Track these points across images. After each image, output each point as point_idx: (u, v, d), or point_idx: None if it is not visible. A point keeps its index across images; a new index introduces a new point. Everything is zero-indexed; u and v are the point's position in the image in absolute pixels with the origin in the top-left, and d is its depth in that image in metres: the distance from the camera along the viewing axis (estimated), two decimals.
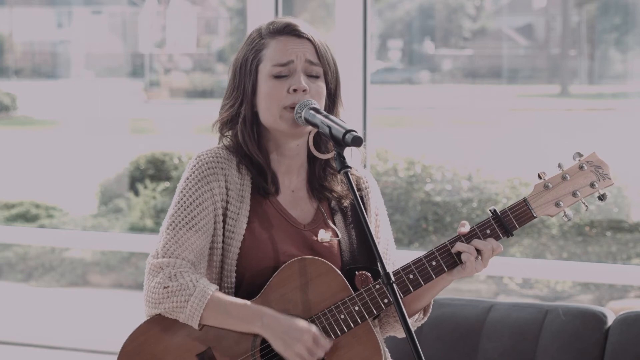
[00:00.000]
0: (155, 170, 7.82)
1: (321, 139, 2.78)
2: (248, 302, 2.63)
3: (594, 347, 3.32)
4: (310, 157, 2.81)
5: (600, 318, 3.35)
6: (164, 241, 2.69)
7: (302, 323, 2.60)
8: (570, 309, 3.40)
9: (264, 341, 2.64)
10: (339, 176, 2.81)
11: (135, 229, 7.72)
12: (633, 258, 6.50)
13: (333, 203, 2.82)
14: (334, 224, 2.80)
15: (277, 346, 2.60)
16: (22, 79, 8.56)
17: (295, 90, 2.71)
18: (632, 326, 3.30)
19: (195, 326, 2.63)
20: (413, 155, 7.02)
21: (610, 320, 3.35)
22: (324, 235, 2.76)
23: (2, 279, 8.05)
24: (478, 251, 2.68)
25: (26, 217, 8.04)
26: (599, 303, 6.52)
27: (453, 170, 6.92)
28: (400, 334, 2.87)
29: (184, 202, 2.71)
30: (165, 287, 2.63)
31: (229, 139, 2.79)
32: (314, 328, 2.61)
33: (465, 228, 2.71)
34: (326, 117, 2.64)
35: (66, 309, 7.80)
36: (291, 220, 2.76)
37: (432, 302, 2.86)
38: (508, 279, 6.76)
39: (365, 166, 2.94)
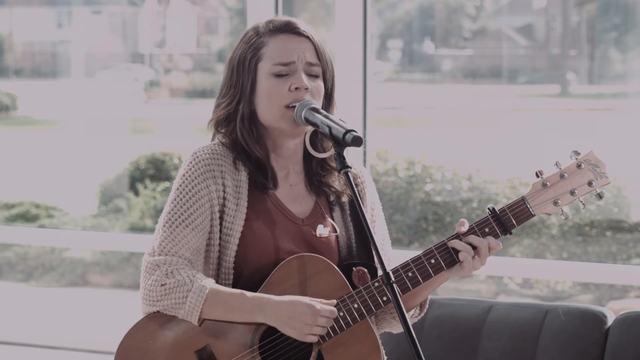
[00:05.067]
0: (155, 170, 7.82)
1: (318, 138, 2.78)
2: (247, 292, 2.63)
3: (594, 347, 3.32)
4: (307, 155, 2.81)
5: (600, 318, 3.35)
6: (161, 239, 2.69)
7: (302, 302, 2.59)
8: (570, 309, 3.40)
9: (262, 338, 2.64)
10: (336, 172, 2.81)
11: (135, 229, 7.72)
12: (633, 258, 6.49)
13: (332, 198, 2.82)
14: (332, 218, 2.79)
15: (287, 332, 2.60)
16: (22, 79, 8.56)
17: (297, 89, 2.71)
18: (632, 326, 3.30)
19: (195, 322, 2.62)
20: (413, 155, 7.01)
21: (610, 320, 3.35)
22: (322, 231, 2.76)
23: (2, 279, 8.05)
24: (474, 248, 2.68)
25: (26, 217, 8.03)
26: (599, 303, 6.51)
27: (453, 170, 6.92)
28: (396, 329, 2.87)
29: (181, 199, 2.71)
30: (162, 285, 2.63)
31: (223, 136, 2.78)
32: (315, 303, 2.59)
33: (465, 227, 2.71)
34: (326, 117, 2.64)
35: (66, 309, 7.80)
36: (289, 215, 2.76)
37: (429, 299, 2.86)
38: (508, 279, 6.75)
39: (364, 166, 2.94)
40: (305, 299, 2.61)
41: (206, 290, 2.61)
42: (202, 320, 2.64)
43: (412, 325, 2.72)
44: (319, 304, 2.61)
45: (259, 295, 2.63)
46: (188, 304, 2.61)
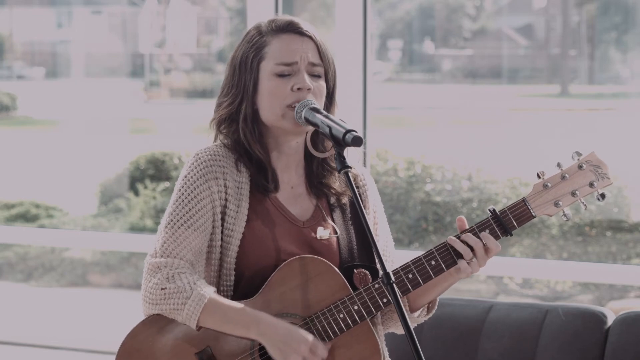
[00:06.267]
0: (155, 170, 7.82)
1: (318, 138, 2.77)
2: (246, 307, 2.62)
3: (594, 347, 3.32)
4: (308, 154, 2.81)
5: (600, 318, 3.35)
6: (162, 240, 2.68)
7: (300, 332, 2.59)
8: (570, 309, 3.40)
9: None
10: (337, 173, 2.80)
11: (135, 229, 7.72)
12: (633, 258, 6.50)
13: (332, 200, 2.82)
14: (333, 220, 2.79)
15: (274, 354, 2.59)
16: (22, 79, 8.56)
17: (299, 89, 2.71)
18: (632, 326, 3.30)
19: (193, 327, 2.62)
20: (413, 155, 7.02)
21: (610, 320, 3.35)
22: (322, 233, 2.75)
23: (2, 279, 8.05)
24: (471, 248, 2.68)
25: (26, 217, 8.04)
26: (599, 303, 6.52)
27: (453, 170, 6.92)
28: (402, 330, 2.87)
29: (182, 200, 2.71)
30: (162, 289, 2.63)
31: (225, 136, 2.78)
32: (310, 337, 2.59)
33: (465, 226, 2.70)
34: (326, 117, 2.64)
35: (66, 309, 7.80)
36: (290, 217, 2.76)
37: (438, 301, 2.85)
38: (508, 279, 6.76)
39: (364, 166, 2.94)
40: (304, 332, 2.60)
41: (205, 300, 2.60)
42: (200, 327, 2.64)
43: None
44: (316, 340, 2.60)
45: (258, 312, 2.62)
46: (186, 310, 2.61)
